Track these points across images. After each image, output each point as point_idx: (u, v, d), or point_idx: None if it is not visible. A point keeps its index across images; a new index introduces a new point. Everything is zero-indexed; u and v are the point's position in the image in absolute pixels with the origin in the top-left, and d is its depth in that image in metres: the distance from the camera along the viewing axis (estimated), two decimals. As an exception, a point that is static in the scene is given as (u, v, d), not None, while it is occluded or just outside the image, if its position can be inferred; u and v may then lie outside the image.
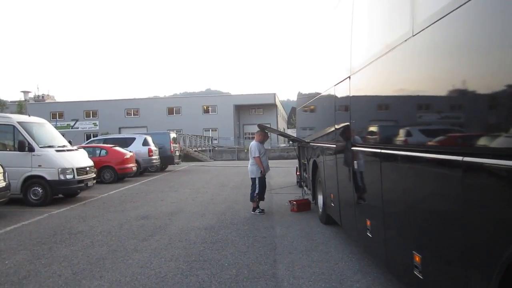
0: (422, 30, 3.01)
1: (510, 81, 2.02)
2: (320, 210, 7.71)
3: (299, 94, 11.07)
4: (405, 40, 3.35)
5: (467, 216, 2.49)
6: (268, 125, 46.58)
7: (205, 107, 55.91)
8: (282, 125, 59.39)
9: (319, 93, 7.69)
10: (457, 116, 2.76)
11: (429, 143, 3.15)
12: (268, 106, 56.07)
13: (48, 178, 10.50)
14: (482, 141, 2.41)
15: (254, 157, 8.99)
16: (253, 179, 8.95)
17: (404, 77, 3.64)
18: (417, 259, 3.25)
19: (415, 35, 3.16)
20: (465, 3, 2.37)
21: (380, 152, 4.08)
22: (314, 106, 8.73)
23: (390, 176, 3.97)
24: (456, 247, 2.67)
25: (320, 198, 7.77)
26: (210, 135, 48.82)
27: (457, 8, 2.46)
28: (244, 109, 56.88)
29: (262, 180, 8.98)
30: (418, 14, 3.16)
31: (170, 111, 55.55)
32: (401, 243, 3.74)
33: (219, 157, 36.75)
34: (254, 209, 8.78)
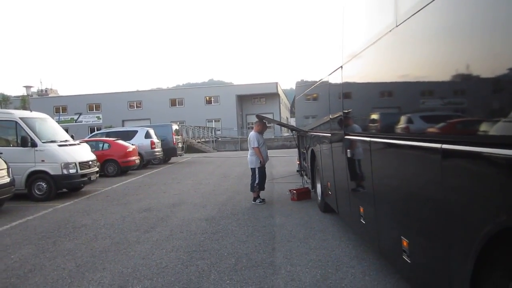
0: (404, 20, 3.09)
1: (494, 71, 2.08)
2: (319, 198, 7.82)
3: (297, 83, 11.11)
4: (390, 31, 3.42)
5: (446, 201, 2.59)
6: (271, 115, 46.56)
7: (207, 97, 55.86)
8: (285, 114, 59.36)
9: (315, 82, 7.75)
10: (441, 105, 2.83)
11: (414, 131, 3.23)
12: (270, 96, 55.96)
13: (52, 173, 10.65)
14: (461, 129, 2.50)
15: (253, 147, 9.08)
16: (253, 169, 9.05)
17: (390, 67, 3.70)
18: (404, 243, 3.36)
19: (398, 25, 3.23)
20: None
21: (370, 141, 4.18)
22: (311, 95, 8.79)
23: (379, 163, 4.06)
24: (438, 231, 2.77)
25: (318, 187, 7.87)
26: (213, 126, 48.91)
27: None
28: (247, 99, 56.84)
29: (262, 170, 9.07)
30: (400, 5, 3.23)
31: (173, 103, 55.60)
32: (391, 229, 3.84)
33: (222, 147, 36.89)
34: (254, 199, 8.90)
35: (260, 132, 9.37)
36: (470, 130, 2.38)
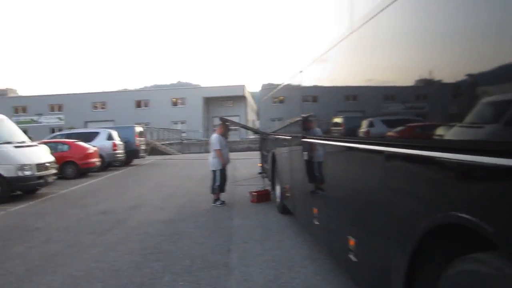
0: (358, 29, 3.19)
1: (440, 77, 2.18)
2: (278, 200, 7.90)
3: (263, 86, 11.22)
4: (344, 38, 3.54)
5: (387, 201, 2.70)
6: (237, 117, 46.42)
7: (174, 99, 55.41)
8: (252, 117, 59.49)
9: (278, 86, 7.86)
10: (386, 110, 2.97)
11: (362, 135, 3.37)
12: (237, 98, 56.05)
13: (5, 174, 10.26)
14: (405, 133, 2.64)
15: (215, 149, 9.09)
16: (214, 172, 9.05)
17: (344, 73, 3.83)
18: (351, 243, 3.47)
19: (352, 33, 3.34)
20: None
21: (324, 143, 4.31)
22: (273, 99, 8.92)
23: (331, 165, 4.19)
24: (380, 230, 2.89)
25: (277, 189, 7.96)
26: (179, 128, 48.49)
27: (384, 9, 2.62)
28: (214, 101, 56.67)
29: (223, 172, 9.09)
30: (354, 14, 3.34)
31: (138, 104, 54.80)
32: (339, 229, 3.95)
33: (187, 150, 36.54)
34: (214, 201, 8.90)
35: (223, 134, 9.39)
36: (410, 134, 2.53)
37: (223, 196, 9.11)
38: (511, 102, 1.63)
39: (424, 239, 2.25)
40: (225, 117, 11.33)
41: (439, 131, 2.18)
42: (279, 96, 8.20)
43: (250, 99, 60.33)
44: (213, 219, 7.51)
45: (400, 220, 2.56)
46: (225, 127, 9.64)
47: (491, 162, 1.71)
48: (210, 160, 9.24)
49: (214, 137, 9.30)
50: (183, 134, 46.14)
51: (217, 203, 8.84)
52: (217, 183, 8.95)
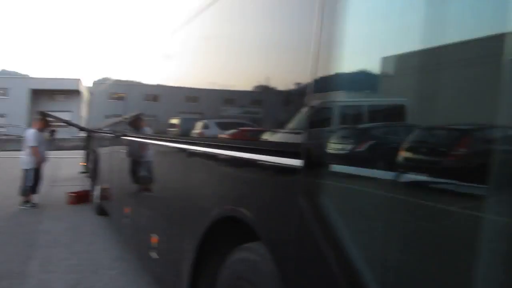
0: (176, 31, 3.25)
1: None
2: (97, 201, 7.49)
3: (94, 82, 10.67)
4: (162, 41, 3.57)
5: (183, 197, 2.81)
6: (70, 113, 42.91)
7: (-8, 89, 48.34)
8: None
9: (103, 83, 7.57)
10: (191, 111, 3.09)
11: (171, 134, 3.46)
12: (71, 93, 51.69)
13: None
14: (202, 134, 2.77)
15: (30, 146, 8.17)
16: (26, 170, 8.13)
17: (163, 74, 3.85)
18: (154, 240, 3.49)
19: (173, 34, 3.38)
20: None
21: (138, 142, 4.28)
22: (101, 95, 8.53)
23: (142, 164, 4.19)
24: (176, 227, 2.98)
25: (97, 189, 7.56)
26: (-2, 122, 42.50)
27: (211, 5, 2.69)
28: (44, 95, 51.10)
29: (37, 171, 8.23)
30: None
31: None
32: (144, 228, 3.95)
33: (3, 147, 32.05)
34: (23, 204, 7.96)
35: (42, 130, 8.51)
36: (208, 135, 2.70)
37: (36, 198, 8.22)
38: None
39: (209, 233, 2.39)
40: (47, 111, 10.38)
41: (229, 132, 2.35)
42: (103, 94, 7.87)
43: (86, 94, 56.38)
44: (18, 224, 6.70)
45: (192, 216, 2.67)
46: (45, 122, 8.79)
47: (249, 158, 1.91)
48: (23, 157, 8.28)
49: (30, 132, 8.35)
50: (1, 129, 40.50)
51: (27, 205, 7.93)
52: (29, 184, 8.06)
